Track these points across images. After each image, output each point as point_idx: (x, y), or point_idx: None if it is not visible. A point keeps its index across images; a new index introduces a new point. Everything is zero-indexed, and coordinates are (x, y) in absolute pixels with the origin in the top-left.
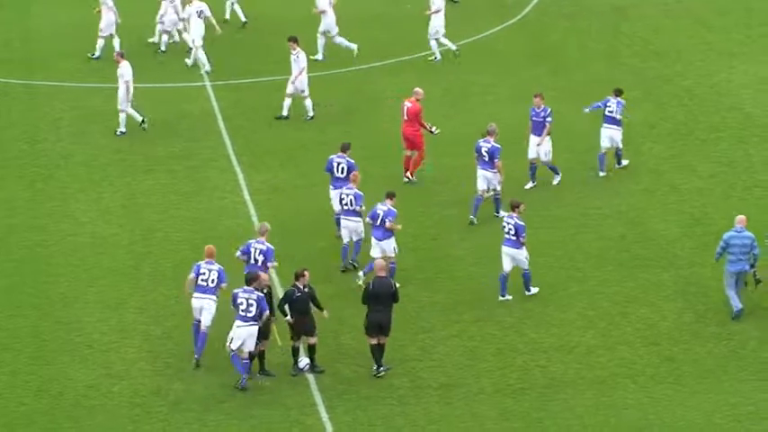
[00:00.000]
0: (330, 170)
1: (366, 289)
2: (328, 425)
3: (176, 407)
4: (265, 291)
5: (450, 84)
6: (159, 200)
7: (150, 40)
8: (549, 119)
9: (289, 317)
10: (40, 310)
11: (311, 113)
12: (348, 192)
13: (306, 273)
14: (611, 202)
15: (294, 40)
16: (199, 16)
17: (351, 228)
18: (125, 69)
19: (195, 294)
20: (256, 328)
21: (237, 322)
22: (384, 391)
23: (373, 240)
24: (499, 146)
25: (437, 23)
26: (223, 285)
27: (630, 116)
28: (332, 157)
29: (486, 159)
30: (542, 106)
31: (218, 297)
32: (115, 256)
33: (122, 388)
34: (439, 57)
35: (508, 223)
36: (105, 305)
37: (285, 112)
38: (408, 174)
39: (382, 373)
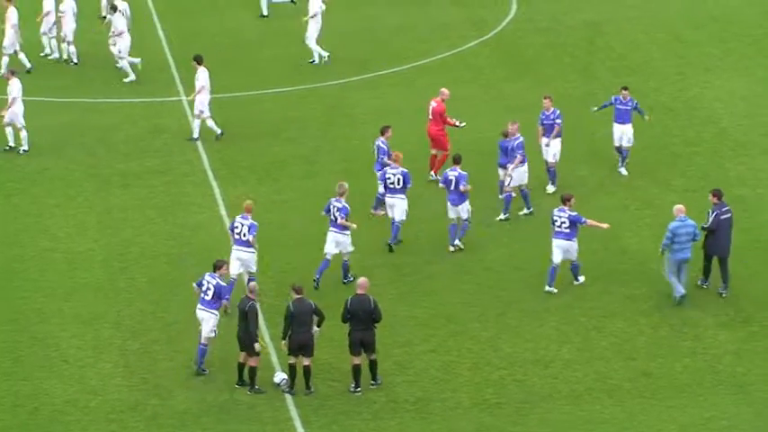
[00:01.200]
0: (375, 151)
1: (345, 307)
2: None
3: (153, 422)
4: (254, 302)
5: (429, 98)
6: (135, 215)
7: (43, 53)
8: (558, 120)
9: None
10: (15, 324)
11: (196, 135)
12: (394, 171)
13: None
14: (587, 217)
15: (196, 59)
16: (122, 15)
17: (396, 205)
18: (14, 86)
19: (234, 247)
20: (211, 314)
21: (199, 306)
22: (360, 407)
23: (449, 204)
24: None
25: (314, 28)
26: (250, 238)
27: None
28: (375, 140)
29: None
30: (552, 109)
31: (256, 249)
32: (91, 271)
33: (99, 403)
34: (317, 60)
35: (560, 217)
36: (81, 320)
37: (218, 131)
38: (433, 172)
39: (373, 384)
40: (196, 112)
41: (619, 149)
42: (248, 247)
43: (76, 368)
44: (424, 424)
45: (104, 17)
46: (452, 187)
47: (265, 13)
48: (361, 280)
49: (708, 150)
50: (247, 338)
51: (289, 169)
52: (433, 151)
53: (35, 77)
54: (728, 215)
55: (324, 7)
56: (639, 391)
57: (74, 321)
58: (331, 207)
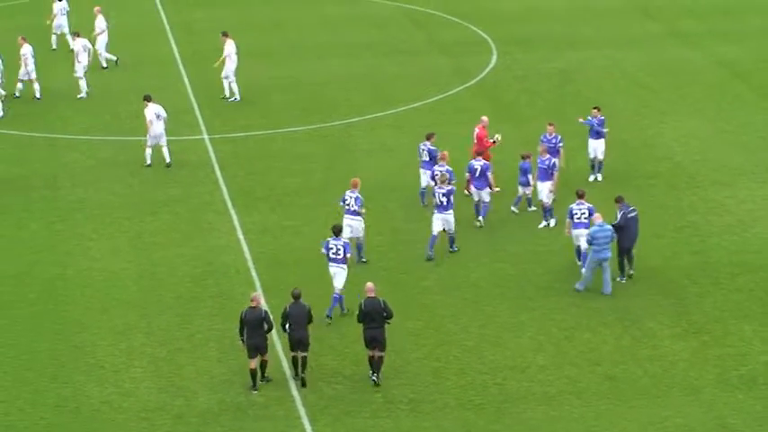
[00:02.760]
0: (420, 154)
1: (360, 309)
2: None
3: (179, 420)
4: (265, 309)
5: (421, 136)
6: (163, 239)
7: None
8: (560, 144)
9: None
10: (58, 335)
11: (168, 160)
12: (440, 168)
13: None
14: (557, 240)
15: (145, 98)
16: (84, 50)
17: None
18: None
19: (345, 216)
20: (344, 268)
21: (330, 264)
22: (360, 406)
23: (473, 189)
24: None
25: (230, 68)
26: (356, 208)
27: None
28: (419, 144)
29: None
30: (554, 134)
31: (362, 217)
32: (125, 287)
33: (131, 404)
34: (228, 95)
35: (579, 209)
36: (116, 331)
37: (149, 161)
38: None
39: (376, 380)
40: (150, 142)
41: (593, 162)
42: (356, 215)
43: (112, 373)
44: (416, 422)
45: (71, 50)
46: (477, 175)
47: (104, 65)
48: (369, 285)
49: (664, 183)
50: (264, 341)
51: (298, 199)
52: None
53: (75, 117)
54: (634, 213)
55: (235, 49)
56: (605, 394)
57: (109, 332)
58: (436, 192)
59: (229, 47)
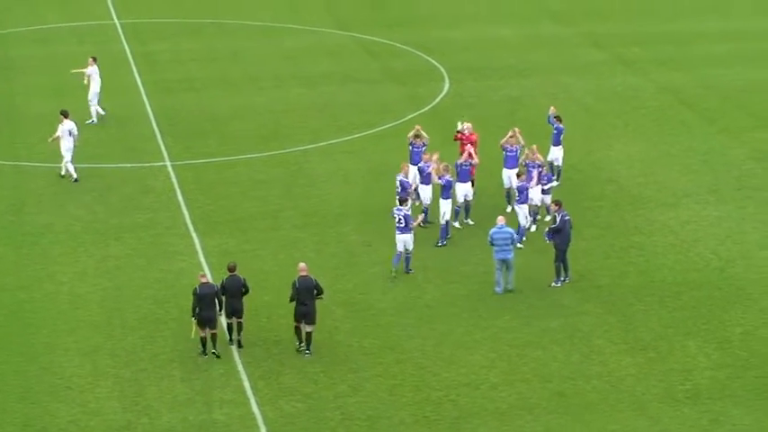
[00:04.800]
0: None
1: (293, 287)
2: None
3: None
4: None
5: (375, 162)
6: (127, 262)
7: None
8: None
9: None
10: (26, 356)
11: (63, 172)
12: (425, 167)
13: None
14: None
15: (63, 113)
16: None
17: (426, 190)
18: None
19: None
20: (409, 234)
21: (397, 232)
22: (319, 423)
23: (458, 186)
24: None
25: (93, 91)
26: (410, 189)
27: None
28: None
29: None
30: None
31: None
32: (90, 310)
33: (97, 423)
34: (95, 120)
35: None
36: (82, 352)
37: (64, 172)
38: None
39: (307, 354)
40: (66, 157)
41: (551, 165)
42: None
43: (78, 393)
44: None
45: None
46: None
47: None
48: (302, 265)
49: (610, 204)
50: (215, 315)
51: (256, 223)
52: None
53: (41, 145)
54: (568, 217)
55: (97, 70)
56: (554, 409)
57: (76, 353)
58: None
59: (92, 70)
